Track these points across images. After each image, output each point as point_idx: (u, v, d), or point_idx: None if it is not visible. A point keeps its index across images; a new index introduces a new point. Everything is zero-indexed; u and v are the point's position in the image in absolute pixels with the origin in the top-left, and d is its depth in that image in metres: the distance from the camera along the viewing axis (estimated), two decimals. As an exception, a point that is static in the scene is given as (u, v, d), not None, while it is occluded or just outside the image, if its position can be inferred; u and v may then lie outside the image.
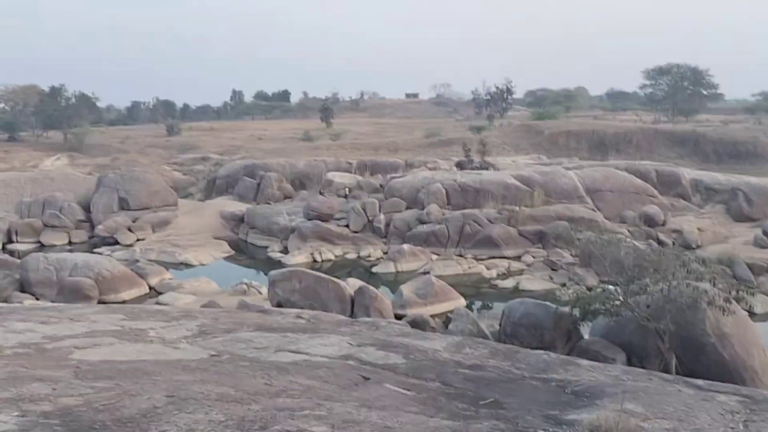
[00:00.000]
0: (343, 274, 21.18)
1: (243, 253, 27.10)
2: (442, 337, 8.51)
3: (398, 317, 15.73)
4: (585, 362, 7.09)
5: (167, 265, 22.89)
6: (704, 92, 70.13)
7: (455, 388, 4.31)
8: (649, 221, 26.70)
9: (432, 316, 16.12)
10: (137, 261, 22.30)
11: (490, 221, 25.01)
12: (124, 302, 18.02)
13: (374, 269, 23.07)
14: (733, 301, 11.07)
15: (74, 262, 19.33)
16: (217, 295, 18.85)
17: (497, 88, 78.56)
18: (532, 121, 60.39)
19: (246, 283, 19.61)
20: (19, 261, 20.38)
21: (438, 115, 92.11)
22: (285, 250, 25.75)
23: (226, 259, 26.04)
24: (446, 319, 15.79)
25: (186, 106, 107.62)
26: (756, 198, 28.45)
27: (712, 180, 31.62)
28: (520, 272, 22.44)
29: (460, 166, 33.61)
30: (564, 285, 20.55)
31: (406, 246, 23.61)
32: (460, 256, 23.96)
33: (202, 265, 24.54)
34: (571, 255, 23.22)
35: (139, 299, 19.04)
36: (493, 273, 22.30)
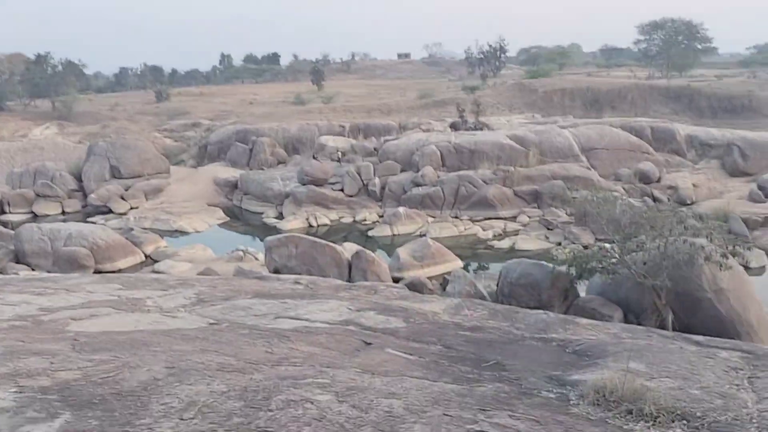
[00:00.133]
0: (339, 239, 21.19)
1: (238, 219, 27.05)
2: (440, 299, 8.51)
3: (395, 280, 15.77)
4: (584, 321, 7.10)
5: (162, 233, 22.84)
6: (699, 46, 69.38)
7: (457, 351, 4.29)
8: (644, 178, 26.73)
9: (429, 278, 16.18)
10: (131, 229, 22.23)
11: (485, 182, 24.97)
12: (119, 271, 18.01)
13: (370, 233, 23.09)
14: (730, 257, 11.11)
15: (68, 231, 19.23)
16: (213, 262, 18.85)
17: (490, 46, 77.64)
18: (525, 79, 59.79)
19: (242, 250, 19.59)
20: (12, 232, 20.30)
21: (430, 76, 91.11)
22: (280, 216, 25.71)
23: (221, 225, 25.98)
24: (443, 281, 15.85)
25: (174, 71, 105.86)
26: (751, 152, 28.44)
27: (707, 135, 31.53)
28: (516, 232, 22.51)
29: (454, 127, 33.36)
30: (559, 244, 20.68)
31: (401, 209, 23.60)
32: (456, 217, 23.99)
33: (197, 232, 24.49)
34: (567, 214, 23.29)
35: (134, 268, 19.02)
36: (489, 234, 22.35)
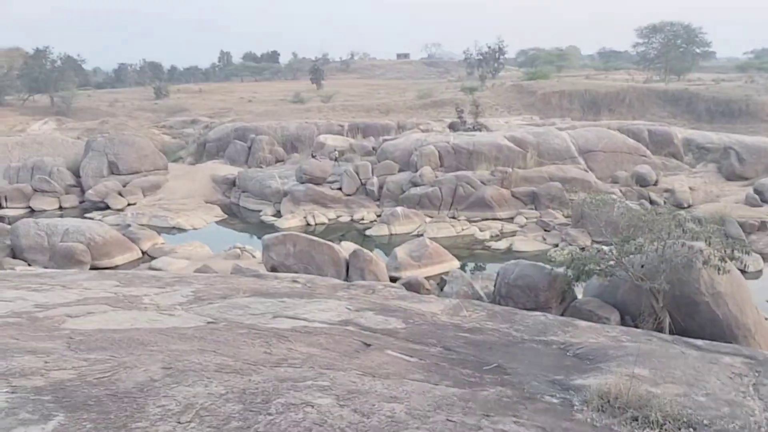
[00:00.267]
0: (336, 238, 21.13)
1: (235, 216, 26.96)
2: (439, 299, 8.47)
3: (393, 280, 15.71)
4: (583, 323, 7.06)
5: (159, 230, 22.74)
6: (697, 50, 69.45)
7: (457, 353, 4.24)
8: (641, 181, 26.73)
9: (426, 278, 16.12)
10: (129, 226, 22.13)
11: (483, 183, 24.93)
12: (116, 267, 17.91)
13: (368, 232, 23.03)
14: (728, 260, 11.07)
15: (66, 227, 19.13)
16: (210, 259, 18.76)
17: (489, 47, 77.54)
18: (524, 81, 59.77)
19: (239, 247, 19.51)
20: (9, 227, 20.18)
21: (429, 76, 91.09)
22: (278, 214, 25.64)
23: (219, 223, 25.90)
24: (441, 282, 15.80)
25: (173, 68, 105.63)
26: (748, 157, 28.44)
27: (704, 139, 31.54)
28: (513, 233, 22.46)
29: (452, 127, 33.33)
30: (557, 246, 20.64)
31: (399, 209, 23.53)
32: (454, 218, 23.94)
33: (195, 229, 24.41)
34: (564, 216, 23.28)
35: (131, 264, 18.92)
36: (487, 234, 22.31)
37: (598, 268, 11.95)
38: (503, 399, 3.08)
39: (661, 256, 11.10)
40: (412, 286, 14.21)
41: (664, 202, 24.72)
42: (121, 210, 26.71)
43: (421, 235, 21.22)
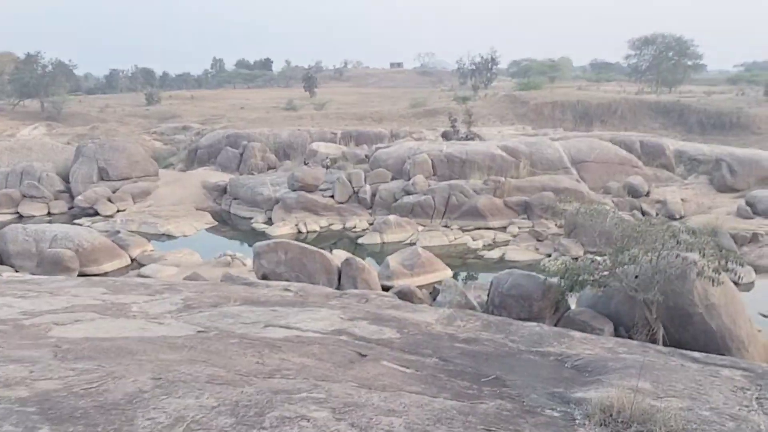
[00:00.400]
0: (328, 246, 21.01)
1: (226, 224, 26.79)
2: (432, 309, 8.39)
3: (385, 288, 15.61)
4: (578, 334, 7.00)
5: (149, 237, 22.55)
6: (688, 63, 70.04)
7: (454, 365, 4.16)
8: (633, 192, 26.79)
9: (419, 287, 16.01)
10: (118, 232, 21.92)
11: (476, 192, 24.90)
12: (105, 274, 17.71)
13: (360, 240, 22.92)
14: (722, 272, 11.06)
15: (54, 233, 18.92)
16: (200, 266, 18.59)
17: (482, 57, 77.92)
18: (517, 91, 60.03)
19: (230, 255, 19.35)
20: (-4, 232, 19.92)
21: (422, 85, 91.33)
22: (269, 221, 25.50)
23: (209, 230, 25.72)
24: (433, 291, 15.70)
25: (165, 74, 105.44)
26: (739, 169, 28.59)
27: (695, 151, 31.70)
28: (506, 243, 22.42)
29: (446, 136, 33.34)
30: (549, 255, 20.60)
31: (392, 217, 23.45)
32: (446, 227, 23.89)
33: (185, 236, 24.21)
34: (556, 226, 23.27)
35: (120, 271, 18.73)
36: (479, 244, 22.26)
37: (591, 278, 11.90)
38: (503, 412, 3.00)
39: (655, 267, 11.06)
40: (405, 295, 14.11)
41: (656, 214, 24.77)
42: (111, 216, 26.48)
43: (414, 243, 21.14)
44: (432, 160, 27.11)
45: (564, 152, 28.59)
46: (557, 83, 73.72)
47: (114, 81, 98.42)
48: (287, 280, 13.57)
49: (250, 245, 19.25)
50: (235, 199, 28.22)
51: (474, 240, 22.53)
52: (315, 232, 24.43)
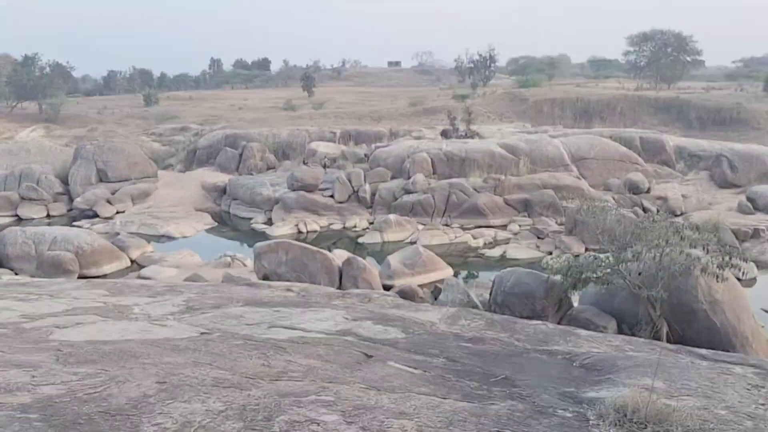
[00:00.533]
0: (328, 245, 20.97)
1: (226, 224, 26.74)
2: (435, 308, 8.34)
3: (386, 288, 15.56)
4: (584, 332, 6.95)
5: (148, 238, 22.48)
6: (687, 59, 69.90)
7: (462, 365, 4.10)
8: (634, 188, 26.74)
9: (420, 286, 15.97)
10: (118, 234, 21.86)
11: (476, 190, 24.85)
12: (105, 276, 17.65)
13: (360, 240, 22.87)
14: (726, 268, 11.01)
15: (53, 235, 18.85)
16: (200, 267, 18.53)
17: (480, 55, 77.78)
18: (516, 89, 59.94)
19: (230, 256, 19.30)
20: (-5, 235, 19.84)
21: (421, 84, 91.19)
22: (269, 222, 25.45)
23: (209, 231, 25.65)
24: (434, 289, 15.64)
25: (163, 75, 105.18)
26: (740, 164, 28.55)
27: (695, 147, 31.66)
28: (507, 241, 22.37)
29: (445, 134, 33.26)
30: (550, 253, 20.56)
31: (392, 216, 23.39)
32: (447, 225, 23.83)
33: (184, 237, 24.16)
34: (557, 223, 23.23)
35: (120, 273, 18.66)
36: (480, 242, 22.20)
37: (594, 276, 11.85)
38: (515, 413, 2.94)
39: (658, 263, 11.01)
40: (406, 294, 14.04)
41: (657, 210, 24.72)
42: (110, 218, 26.42)
43: (414, 242, 21.09)
44: (432, 159, 27.05)
45: (564, 149, 28.52)
46: (556, 80, 73.61)
47: (112, 82, 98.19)
48: (288, 281, 13.51)
49: (250, 246, 19.19)
50: (234, 199, 28.16)
51: (474, 238, 22.47)
52: (315, 231, 24.37)
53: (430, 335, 5.41)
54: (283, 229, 23.98)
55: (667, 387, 3.41)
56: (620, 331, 11.58)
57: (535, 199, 24.43)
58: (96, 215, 26.88)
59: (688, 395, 3.27)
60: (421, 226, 23.57)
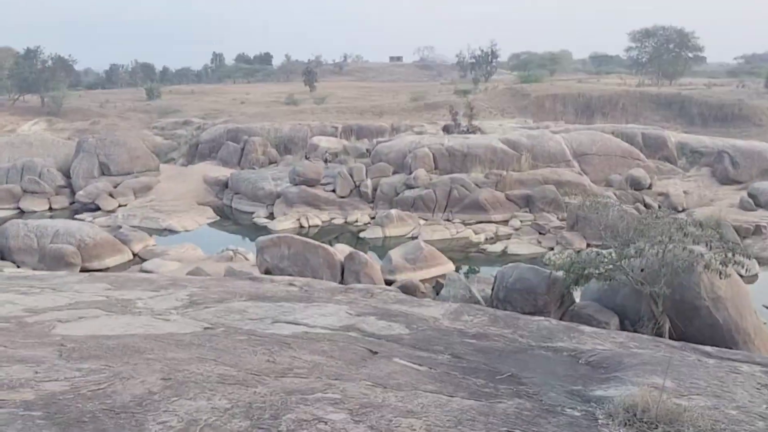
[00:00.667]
0: (330, 240, 20.96)
1: (228, 218, 26.73)
2: (438, 303, 8.31)
3: (388, 283, 15.56)
4: (587, 329, 6.91)
5: (150, 232, 22.48)
6: (689, 55, 69.70)
7: (467, 361, 4.07)
8: (636, 184, 26.71)
9: (421, 281, 15.96)
10: (120, 227, 21.86)
11: (477, 185, 24.82)
12: (107, 269, 17.64)
13: (362, 234, 22.86)
14: (729, 264, 10.99)
15: (55, 228, 18.85)
16: (202, 261, 18.53)
17: (482, 51, 77.61)
18: (517, 84, 59.80)
19: (232, 250, 19.29)
20: (-3, 228, 19.84)
21: (422, 79, 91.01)
22: (271, 216, 25.43)
23: (211, 224, 25.65)
24: (436, 284, 15.64)
25: (165, 69, 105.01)
26: (741, 161, 28.50)
27: (697, 143, 31.61)
28: (508, 236, 22.35)
29: (447, 130, 33.21)
30: (551, 249, 20.57)
31: (393, 211, 23.38)
32: (448, 220, 23.81)
33: (186, 231, 24.16)
34: (558, 219, 23.20)
35: (122, 266, 18.67)
36: (481, 237, 22.19)
37: (597, 271, 11.83)
38: (523, 412, 2.91)
39: (661, 260, 10.99)
40: (408, 289, 14.05)
41: (659, 206, 24.67)
42: (112, 211, 26.42)
43: (416, 237, 21.09)
44: (433, 154, 27.01)
45: (566, 145, 28.46)
46: (557, 76, 73.45)
47: (114, 76, 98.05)
48: (290, 275, 13.48)
49: (252, 240, 19.18)
50: (236, 193, 28.14)
51: (476, 234, 22.46)
52: (317, 226, 24.35)
53: (433, 331, 5.38)
54: (285, 223, 23.97)
55: (676, 386, 3.38)
56: (622, 327, 11.56)
57: (536, 195, 24.40)
58: (98, 208, 26.89)
59: (697, 394, 3.24)
60: (422, 221, 23.55)
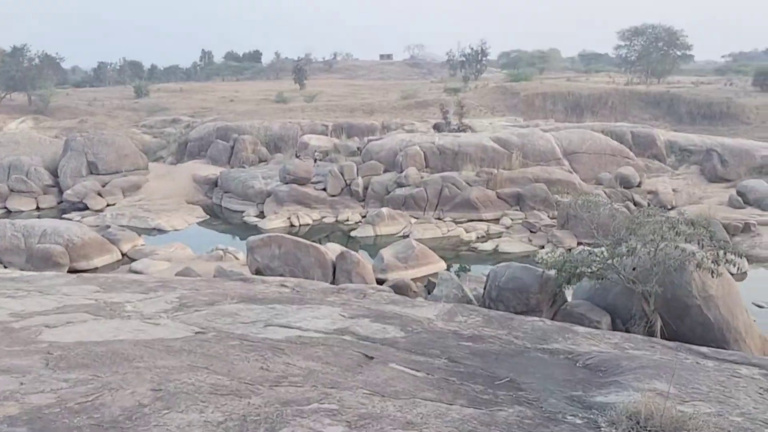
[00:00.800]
0: (321, 239, 20.85)
1: (217, 217, 26.53)
2: (431, 304, 8.25)
3: (379, 282, 15.48)
4: (581, 329, 6.88)
5: (139, 231, 22.26)
6: (678, 53, 70.03)
7: (464, 366, 4.00)
8: (625, 182, 26.76)
9: (413, 280, 15.90)
10: (108, 227, 21.64)
11: (468, 184, 24.77)
12: (95, 270, 17.45)
13: (353, 233, 22.75)
14: (721, 263, 10.99)
15: (43, 228, 18.61)
16: (192, 261, 18.36)
17: (471, 49, 77.64)
18: (507, 82, 59.85)
19: (222, 249, 19.14)
20: (-17, 228, 19.57)
21: (412, 77, 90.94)
22: (261, 215, 25.27)
23: (200, 224, 25.45)
24: (428, 284, 15.58)
25: (154, 67, 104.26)
26: (730, 159, 28.65)
27: (686, 141, 31.74)
28: (499, 235, 22.32)
29: (437, 128, 33.14)
30: (542, 247, 20.55)
31: (384, 209, 23.29)
32: (439, 219, 23.74)
33: (176, 230, 23.95)
34: (549, 217, 23.20)
35: (111, 266, 18.47)
36: (472, 236, 22.15)
37: (589, 270, 11.81)
38: (524, 421, 2.84)
39: (653, 258, 10.98)
40: (400, 289, 13.98)
41: (648, 204, 24.73)
42: (101, 211, 26.16)
43: (407, 236, 21.00)
44: (424, 152, 26.93)
45: (556, 143, 28.49)
46: (546, 74, 73.61)
47: (102, 74, 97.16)
48: (281, 275, 13.40)
49: (242, 239, 19.03)
50: (226, 192, 27.94)
51: (467, 232, 22.41)
52: (308, 225, 24.22)
53: (428, 333, 5.31)
54: (275, 222, 23.83)
55: (677, 391, 3.33)
56: (614, 326, 11.56)
57: (527, 193, 24.40)
58: (86, 208, 26.61)
59: (700, 400, 3.19)
60: (413, 220, 23.48)
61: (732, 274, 15.32)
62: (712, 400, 3.19)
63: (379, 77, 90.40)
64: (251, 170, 29.61)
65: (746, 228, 21.78)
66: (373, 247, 20.45)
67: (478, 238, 22.06)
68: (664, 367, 3.85)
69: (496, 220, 23.58)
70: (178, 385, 3.00)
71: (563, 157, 28.03)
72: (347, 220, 24.42)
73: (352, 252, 16.07)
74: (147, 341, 4.21)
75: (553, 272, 12.41)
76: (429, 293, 14.43)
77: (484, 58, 79.02)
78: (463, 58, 78.18)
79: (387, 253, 17.50)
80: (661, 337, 10.07)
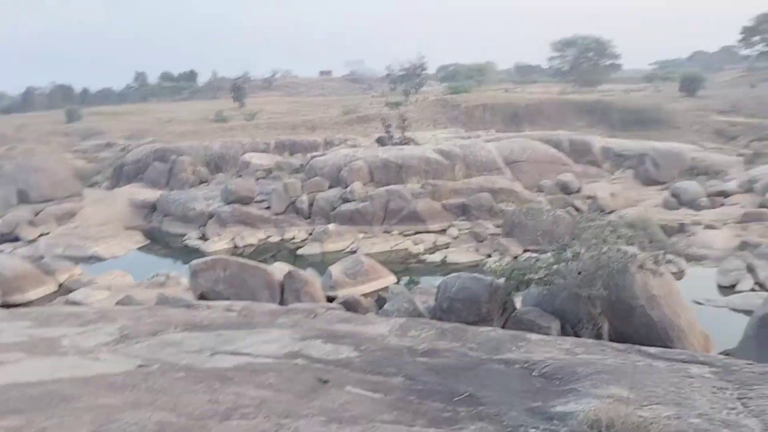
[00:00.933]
0: (267, 259, 20.48)
1: (158, 242, 25.75)
2: (384, 320, 8.17)
3: (329, 299, 15.28)
4: (534, 336, 6.91)
5: (76, 260, 21.36)
6: (607, 62, 72.68)
7: (422, 383, 3.92)
8: (565, 189, 27.44)
9: (363, 295, 15.78)
10: (42, 257, 20.68)
11: (414, 196, 24.88)
12: (30, 303, 16.62)
13: (300, 251, 22.48)
14: (662, 264, 11.31)
15: (-30, 262, 17.64)
16: (133, 288, 17.73)
17: (410, 63, 78.42)
18: (447, 95, 60.67)
19: (164, 274, 18.55)
20: None
21: (353, 92, 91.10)
22: (204, 237, 24.67)
23: (140, 249, 24.65)
24: (378, 299, 15.46)
25: (86, 91, 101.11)
26: (662, 162, 29.82)
27: (620, 147, 32.87)
28: (447, 245, 22.46)
29: (380, 142, 33.24)
30: (489, 256, 20.79)
31: (331, 226, 23.12)
32: (387, 232, 23.74)
33: (115, 257, 23.12)
34: (495, 226, 23.52)
35: (47, 298, 17.63)
36: (421, 248, 22.22)
37: (536, 277, 11.97)
38: (487, 438, 2.78)
39: (597, 262, 11.22)
40: (351, 305, 13.82)
41: (588, 209, 25.41)
42: (34, 240, 25.00)
43: (355, 251, 20.90)
44: (368, 167, 26.94)
45: (497, 153, 29.01)
46: (484, 86, 75.03)
47: (30, 99, 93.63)
48: (227, 299, 13.04)
49: (185, 263, 18.49)
50: (166, 215, 27.19)
51: (415, 244, 22.48)
52: (252, 245, 23.79)
53: (383, 351, 5.21)
54: (218, 244, 23.32)
55: (635, 395, 3.33)
56: (563, 331, 11.71)
57: (472, 203, 24.67)
58: (18, 239, 25.40)
59: (657, 403, 3.20)
60: (361, 235, 23.38)
61: (672, 274, 15.87)
62: (669, 403, 3.20)
63: (320, 93, 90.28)
64: (191, 192, 28.95)
65: (681, 228, 22.59)
66: (322, 264, 20.22)
67: (426, 249, 22.14)
68: (618, 371, 3.87)
69: (443, 231, 23.73)
70: (121, 425, 2.80)
71: (505, 166, 28.56)
72: (293, 239, 24.12)
73: (300, 271, 15.84)
74: (86, 378, 3.96)
75: (501, 280, 12.54)
76: (380, 308, 14.31)
77: (422, 72, 79.91)
78: (403, 72, 78.86)
79: (336, 269, 17.33)
80: (609, 339, 10.28)
